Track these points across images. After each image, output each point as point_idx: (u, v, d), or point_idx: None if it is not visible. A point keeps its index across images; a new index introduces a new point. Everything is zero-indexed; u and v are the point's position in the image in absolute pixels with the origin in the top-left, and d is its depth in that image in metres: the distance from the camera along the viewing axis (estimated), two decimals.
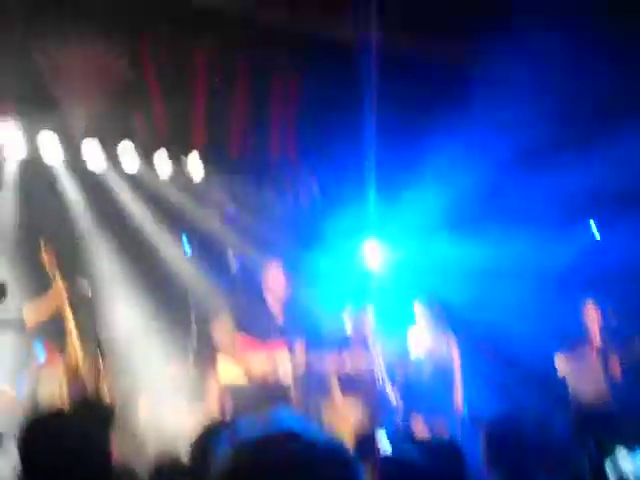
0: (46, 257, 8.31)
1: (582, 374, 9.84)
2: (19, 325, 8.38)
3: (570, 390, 9.75)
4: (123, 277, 10.44)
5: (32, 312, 8.48)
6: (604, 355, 9.83)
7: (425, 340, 9.91)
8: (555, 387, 9.86)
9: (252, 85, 10.12)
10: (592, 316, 9.80)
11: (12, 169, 9.60)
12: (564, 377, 9.85)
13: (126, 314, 10.35)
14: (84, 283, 8.47)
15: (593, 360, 9.80)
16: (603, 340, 9.86)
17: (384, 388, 9.38)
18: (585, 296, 9.95)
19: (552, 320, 10.12)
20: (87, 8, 8.96)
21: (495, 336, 10.53)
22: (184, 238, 10.45)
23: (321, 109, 10.30)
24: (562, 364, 9.90)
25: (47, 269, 8.31)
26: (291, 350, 8.74)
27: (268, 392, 8.55)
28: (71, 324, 8.15)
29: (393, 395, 9.47)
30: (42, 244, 8.34)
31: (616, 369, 9.78)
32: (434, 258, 10.78)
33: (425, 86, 10.17)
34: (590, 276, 10.55)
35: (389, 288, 11.06)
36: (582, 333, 9.93)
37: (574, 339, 9.96)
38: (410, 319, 10.10)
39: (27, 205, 9.76)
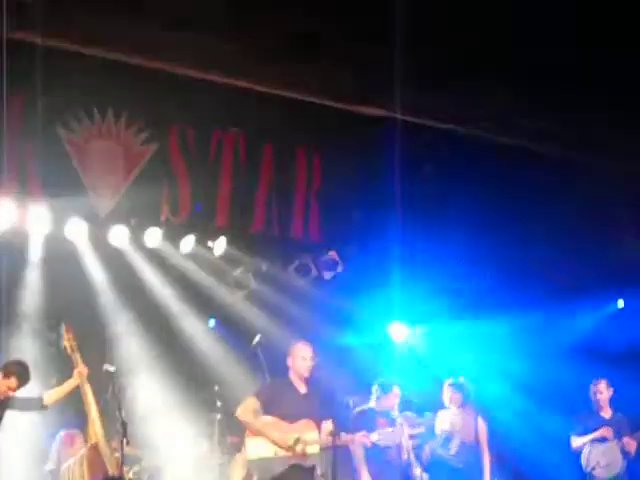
0: (67, 340, 8.31)
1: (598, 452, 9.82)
2: (39, 405, 8.35)
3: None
4: (147, 355, 10.39)
5: (53, 393, 8.47)
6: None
7: (453, 420, 9.81)
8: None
9: (276, 164, 10.18)
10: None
11: (38, 248, 9.64)
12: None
13: (150, 393, 10.28)
14: (108, 363, 8.43)
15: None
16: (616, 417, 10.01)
17: (411, 466, 9.25)
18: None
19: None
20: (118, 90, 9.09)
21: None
22: (211, 320, 10.49)
23: (345, 187, 10.33)
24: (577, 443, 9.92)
25: (68, 351, 8.31)
26: (318, 429, 8.62)
27: (294, 468, 8.44)
28: (92, 406, 8.11)
29: (420, 473, 9.35)
30: (63, 328, 8.35)
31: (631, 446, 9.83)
32: (461, 338, 10.76)
33: (451, 164, 10.21)
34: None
35: (417, 367, 11.02)
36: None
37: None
38: (438, 398, 10.02)
39: (51, 284, 9.77)
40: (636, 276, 11.13)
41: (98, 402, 8.22)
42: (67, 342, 8.34)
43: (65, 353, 8.37)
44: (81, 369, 8.26)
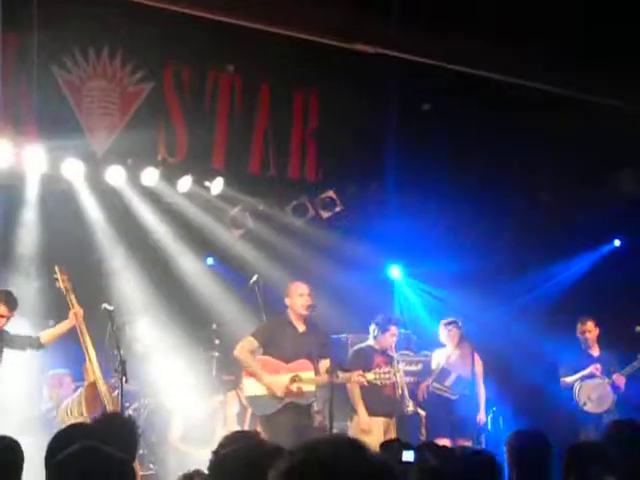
0: (62, 282, 8.35)
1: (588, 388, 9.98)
2: (37, 343, 8.43)
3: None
4: (144, 294, 10.43)
5: (49, 332, 8.55)
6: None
7: (450, 356, 9.93)
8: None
9: (273, 103, 10.12)
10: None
11: (34, 189, 9.62)
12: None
13: (148, 332, 10.34)
14: (105, 302, 8.47)
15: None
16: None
17: (407, 403, 9.37)
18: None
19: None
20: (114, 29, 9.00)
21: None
22: (209, 258, 10.50)
23: (342, 126, 10.28)
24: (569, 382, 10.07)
25: (63, 293, 8.36)
26: (316, 368, 8.72)
27: (291, 406, 8.57)
28: (89, 345, 8.18)
29: (412, 409, 9.48)
30: (57, 270, 8.39)
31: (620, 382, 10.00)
32: (459, 277, 10.80)
33: (450, 102, 10.15)
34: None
35: (414, 306, 11.10)
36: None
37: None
38: (435, 337, 10.12)
39: (48, 224, 9.77)
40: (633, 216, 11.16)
41: (95, 341, 8.30)
42: (62, 284, 8.38)
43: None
44: (76, 310, 8.32)
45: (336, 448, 1.90)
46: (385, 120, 10.34)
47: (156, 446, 9.72)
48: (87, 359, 8.18)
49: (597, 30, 8.91)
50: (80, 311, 8.31)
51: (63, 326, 8.47)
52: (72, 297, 8.37)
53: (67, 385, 9.31)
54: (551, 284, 11.68)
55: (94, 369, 8.15)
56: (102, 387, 8.12)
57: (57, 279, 8.41)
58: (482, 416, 9.81)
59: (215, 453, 3.33)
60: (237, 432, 3.40)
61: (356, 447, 1.93)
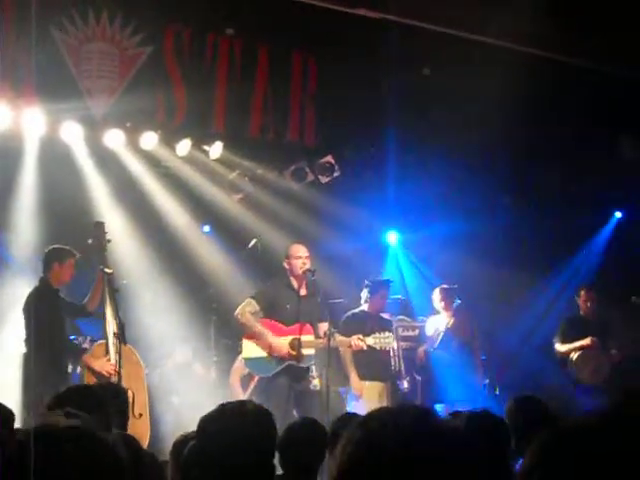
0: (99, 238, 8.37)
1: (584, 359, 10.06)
2: (86, 311, 8.49)
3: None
4: (142, 258, 10.44)
5: (91, 298, 8.52)
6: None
7: (446, 322, 9.99)
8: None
9: (272, 67, 10.06)
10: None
11: (33, 151, 9.59)
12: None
13: (146, 294, 10.37)
14: (104, 265, 8.46)
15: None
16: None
17: (401, 367, 9.44)
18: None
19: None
20: None
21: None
22: (205, 226, 10.50)
23: (341, 90, 10.24)
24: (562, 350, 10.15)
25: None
26: (315, 331, 8.77)
27: (290, 368, 8.63)
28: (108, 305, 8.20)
29: (409, 375, 9.56)
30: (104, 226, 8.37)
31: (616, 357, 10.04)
32: (456, 244, 10.82)
33: (450, 67, 10.10)
34: None
35: (411, 272, 11.12)
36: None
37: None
38: (430, 303, 10.17)
39: (47, 187, 9.75)
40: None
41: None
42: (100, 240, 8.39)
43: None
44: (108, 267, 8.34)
45: (410, 416, 1.87)
46: (384, 85, 10.30)
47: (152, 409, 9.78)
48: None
49: None
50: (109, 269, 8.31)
51: (96, 287, 8.44)
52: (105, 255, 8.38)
53: None
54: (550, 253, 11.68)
55: (107, 330, 8.14)
56: (111, 348, 8.10)
57: (104, 234, 8.37)
58: (480, 381, 9.89)
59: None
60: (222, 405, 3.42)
61: (428, 415, 1.89)
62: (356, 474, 1.82)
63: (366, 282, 9.73)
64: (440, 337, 9.95)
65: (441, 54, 10.04)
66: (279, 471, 4.53)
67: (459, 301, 9.95)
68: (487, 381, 10.14)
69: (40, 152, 9.59)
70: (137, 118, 9.54)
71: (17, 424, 4.39)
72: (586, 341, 10.08)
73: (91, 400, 4.36)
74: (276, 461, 3.82)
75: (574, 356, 10.11)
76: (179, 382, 9.86)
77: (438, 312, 10.13)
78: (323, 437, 4.95)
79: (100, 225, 8.53)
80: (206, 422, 3.24)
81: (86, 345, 8.61)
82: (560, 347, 10.21)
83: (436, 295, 10.10)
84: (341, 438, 1.89)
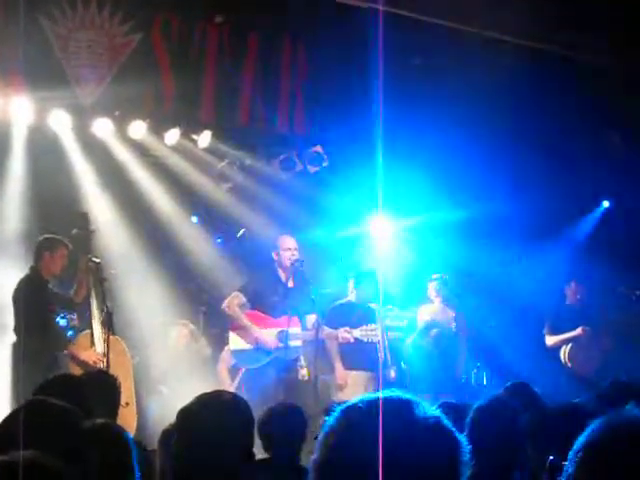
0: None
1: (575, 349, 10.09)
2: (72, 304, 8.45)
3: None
4: (131, 247, 10.42)
5: (77, 289, 8.51)
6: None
7: (435, 312, 10.01)
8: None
9: (261, 55, 10.03)
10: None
11: (21, 139, 9.56)
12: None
13: (134, 284, 10.35)
14: (92, 254, 8.45)
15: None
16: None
17: (387, 359, 9.45)
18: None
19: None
20: None
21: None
22: (193, 217, 10.49)
23: (331, 79, 10.22)
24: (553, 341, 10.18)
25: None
26: (302, 323, 8.78)
27: (277, 361, 8.65)
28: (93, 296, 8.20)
29: (394, 366, 9.58)
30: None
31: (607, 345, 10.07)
32: (448, 233, 10.83)
33: (439, 57, 10.10)
34: None
35: (401, 263, 11.12)
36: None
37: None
38: (422, 293, 10.18)
39: (35, 175, 9.72)
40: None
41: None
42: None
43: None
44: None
45: (391, 406, 1.87)
46: (374, 74, 10.28)
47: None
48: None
49: None
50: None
51: (81, 278, 8.41)
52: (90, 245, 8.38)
53: None
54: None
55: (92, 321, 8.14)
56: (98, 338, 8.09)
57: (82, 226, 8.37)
58: (461, 372, 9.91)
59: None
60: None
61: (409, 405, 1.89)
62: (336, 464, 1.84)
63: (351, 273, 9.74)
64: (422, 327, 9.97)
65: (431, 44, 10.05)
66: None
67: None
68: (475, 371, 10.17)
69: (28, 140, 9.56)
70: (125, 107, 9.51)
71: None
72: (577, 331, 10.10)
73: (74, 389, 4.36)
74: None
75: (566, 348, 10.12)
76: (168, 371, 9.84)
77: (432, 301, 10.14)
78: (302, 419, 5.07)
79: (84, 216, 8.51)
80: (184, 413, 3.28)
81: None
82: (550, 339, 10.23)
83: (429, 285, 10.12)
84: (323, 427, 1.92)
